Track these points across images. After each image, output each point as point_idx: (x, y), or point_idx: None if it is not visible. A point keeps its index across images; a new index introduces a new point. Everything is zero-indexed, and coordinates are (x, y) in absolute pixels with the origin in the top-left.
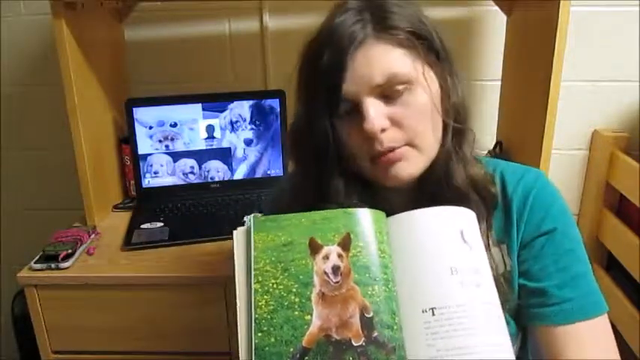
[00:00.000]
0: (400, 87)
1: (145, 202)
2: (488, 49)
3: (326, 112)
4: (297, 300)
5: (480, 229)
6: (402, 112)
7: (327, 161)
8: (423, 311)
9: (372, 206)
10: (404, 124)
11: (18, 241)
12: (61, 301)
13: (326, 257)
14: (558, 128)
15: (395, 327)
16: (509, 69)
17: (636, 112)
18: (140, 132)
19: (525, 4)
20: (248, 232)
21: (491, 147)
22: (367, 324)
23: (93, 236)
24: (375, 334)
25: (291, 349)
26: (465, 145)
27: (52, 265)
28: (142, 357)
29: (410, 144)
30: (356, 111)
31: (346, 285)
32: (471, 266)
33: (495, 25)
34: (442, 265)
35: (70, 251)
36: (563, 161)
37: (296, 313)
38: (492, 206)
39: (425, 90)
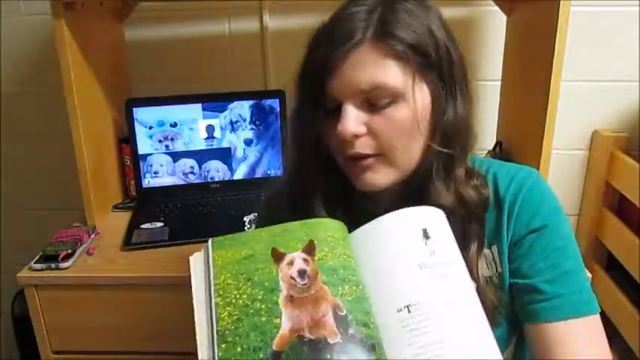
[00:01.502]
0: (385, 100)
1: (145, 202)
2: (489, 49)
3: (311, 106)
4: (263, 306)
5: (470, 245)
6: (380, 123)
7: (309, 154)
8: (398, 310)
9: (353, 206)
10: (380, 135)
11: (18, 241)
12: (61, 301)
13: (290, 263)
14: (558, 128)
15: (371, 325)
16: (509, 69)
17: (636, 112)
18: (140, 132)
19: (525, 4)
20: (206, 253)
21: (491, 147)
22: (341, 321)
23: (93, 236)
24: (351, 331)
25: (261, 355)
26: (456, 168)
27: (52, 265)
28: (142, 357)
29: (381, 156)
30: (338, 111)
31: (315, 286)
32: (439, 260)
33: (495, 25)
34: (409, 263)
35: (70, 251)
36: (563, 161)
37: (263, 318)
38: (482, 220)
39: (409, 107)
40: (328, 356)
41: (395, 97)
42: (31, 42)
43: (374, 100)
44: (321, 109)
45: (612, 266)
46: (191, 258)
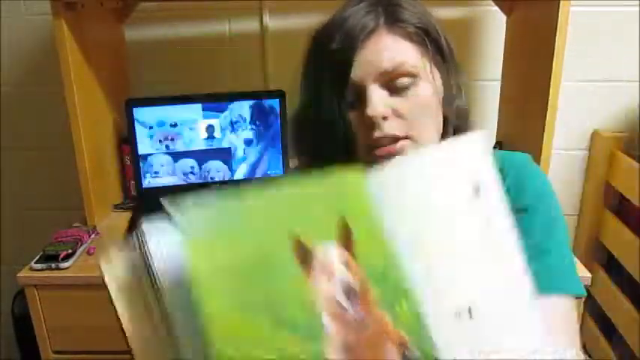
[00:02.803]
0: (406, 80)
1: (145, 202)
2: (488, 49)
3: (334, 96)
4: None
5: None
6: (405, 105)
7: (335, 147)
8: (456, 315)
9: None
10: (406, 116)
11: (18, 241)
12: (61, 301)
13: (327, 270)
14: (558, 128)
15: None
16: (509, 69)
17: (636, 112)
18: (140, 132)
19: (525, 4)
20: (157, 245)
21: (491, 147)
22: None
23: (93, 236)
24: None
25: None
26: None
27: (52, 265)
28: None
29: (409, 137)
30: (360, 100)
31: (371, 316)
32: (495, 233)
33: (495, 25)
34: (464, 239)
35: (70, 251)
36: (563, 161)
37: None
38: None
39: (429, 85)
40: None
41: (415, 75)
42: (31, 42)
43: (396, 82)
44: (342, 100)
45: (612, 266)
46: (106, 268)
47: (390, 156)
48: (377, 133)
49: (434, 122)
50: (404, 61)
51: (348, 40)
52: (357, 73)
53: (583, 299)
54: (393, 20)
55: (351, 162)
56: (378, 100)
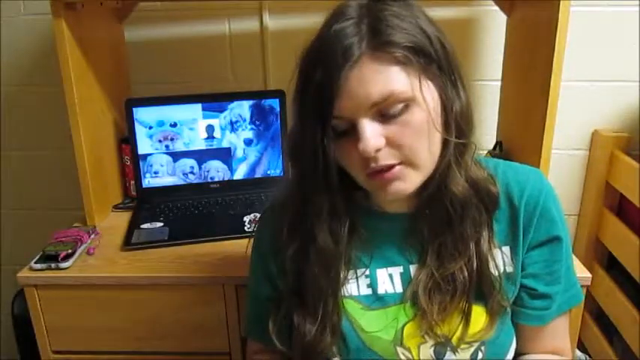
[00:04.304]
0: (398, 106)
1: (145, 202)
2: (488, 49)
3: (317, 129)
4: None
5: (482, 234)
6: (398, 132)
7: (315, 176)
8: None
9: (357, 221)
10: (400, 143)
11: (18, 241)
12: (61, 301)
13: None
14: (558, 128)
15: None
16: (509, 69)
17: (636, 112)
18: (140, 132)
19: (525, 4)
20: None
21: (491, 147)
22: None
23: (93, 236)
24: None
25: None
26: (467, 154)
27: (52, 265)
28: (142, 357)
29: (405, 162)
30: (352, 130)
31: None
32: None
33: (495, 25)
34: None
35: (70, 251)
36: (563, 161)
37: None
38: (494, 207)
39: (422, 108)
40: None
41: (407, 101)
42: (31, 42)
43: (387, 110)
44: (330, 132)
45: (612, 266)
46: None
47: (389, 182)
48: (372, 165)
49: (429, 144)
50: (392, 90)
51: (329, 73)
52: (345, 106)
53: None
54: (378, 44)
55: (330, 188)
56: (371, 134)
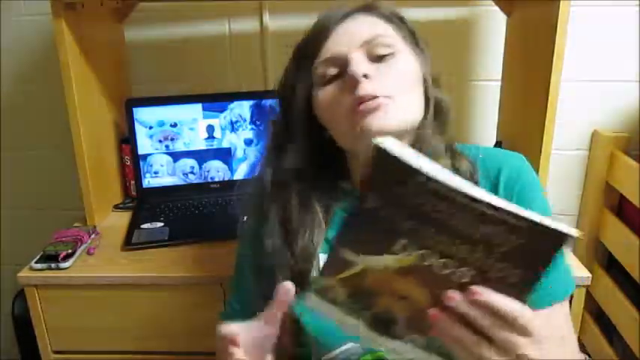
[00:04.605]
0: (385, 50)
1: (145, 202)
2: (488, 49)
3: (306, 76)
4: None
5: None
6: (384, 71)
7: (294, 125)
8: None
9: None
10: (387, 78)
11: (18, 241)
12: (61, 301)
13: None
14: (558, 128)
15: None
16: (509, 69)
17: (636, 112)
18: (140, 132)
19: (525, 4)
20: None
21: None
22: None
23: (93, 236)
24: None
25: None
26: (446, 136)
27: (52, 265)
28: (142, 357)
29: (389, 97)
30: (341, 75)
31: None
32: None
33: (495, 25)
34: None
35: (70, 251)
36: (563, 161)
37: None
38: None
39: (407, 61)
40: None
41: (394, 49)
42: (31, 42)
43: (376, 50)
44: (316, 80)
45: (612, 266)
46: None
47: (372, 111)
48: (359, 91)
49: (414, 93)
50: (383, 33)
51: (325, 22)
52: (336, 44)
53: (583, 295)
54: (369, 8)
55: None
56: (360, 60)
